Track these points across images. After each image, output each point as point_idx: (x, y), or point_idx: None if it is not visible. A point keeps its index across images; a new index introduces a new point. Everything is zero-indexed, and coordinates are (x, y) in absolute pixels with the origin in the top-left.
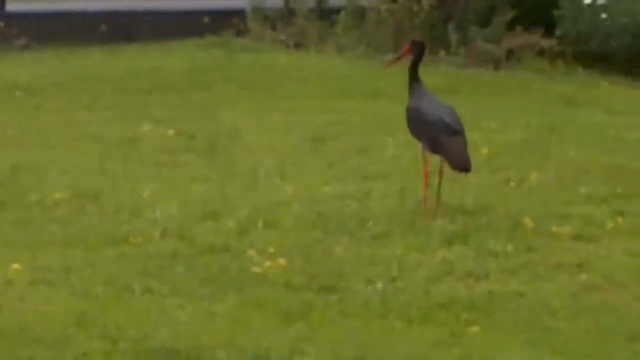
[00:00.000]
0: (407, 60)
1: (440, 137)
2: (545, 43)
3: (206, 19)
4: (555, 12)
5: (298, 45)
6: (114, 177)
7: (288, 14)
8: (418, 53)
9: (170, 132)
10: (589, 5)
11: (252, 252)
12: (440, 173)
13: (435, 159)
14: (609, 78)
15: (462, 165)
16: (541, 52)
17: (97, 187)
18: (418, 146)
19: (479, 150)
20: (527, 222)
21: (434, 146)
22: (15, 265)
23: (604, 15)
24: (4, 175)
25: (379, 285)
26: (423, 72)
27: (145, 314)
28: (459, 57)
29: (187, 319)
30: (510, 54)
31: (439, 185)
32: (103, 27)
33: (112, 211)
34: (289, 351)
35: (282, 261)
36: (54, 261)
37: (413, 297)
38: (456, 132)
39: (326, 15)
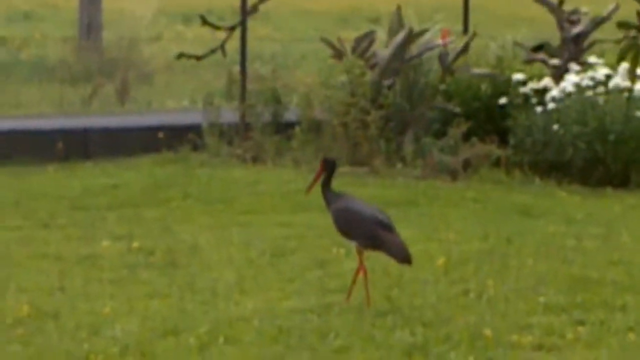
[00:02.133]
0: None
1: (379, 232)
2: (501, 153)
3: (161, 135)
4: (509, 122)
5: (255, 160)
6: (73, 295)
7: (244, 128)
8: (330, 169)
9: (129, 248)
10: (541, 114)
11: None
12: (364, 271)
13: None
14: (566, 187)
15: (406, 257)
16: (497, 163)
17: (56, 305)
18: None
19: (436, 261)
20: (487, 333)
21: (372, 242)
22: None
23: (555, 127)
24: None
25: None
26: (380, 184)
27: None
28: (416, 169)
29: None
30: (466, 164)
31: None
32: (59, 145)
33: (71, 329)
34: None
35: None
36: None
37: None
38: (390, 227)
39: (282, 129)
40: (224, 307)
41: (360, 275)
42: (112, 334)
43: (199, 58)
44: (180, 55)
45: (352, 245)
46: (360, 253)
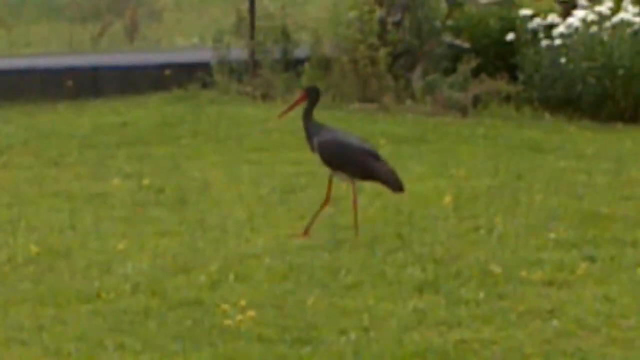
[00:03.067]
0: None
1: (370, 162)
2: (511, 89)
3: (171, 72)
4: (517, 58)
5: (264, 97)
6: (84, 233)
7: (253, 66)
8: (313, 98)
9: (139, 186)
10: (548, 49)
11: (224, 306)
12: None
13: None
14: (576, 123)
15: (399, 185)
16: (507, 99)
17: (67, 243)
18: (339, 179)
19: (446, 197)
20: (498, 269)
21: (364, 173)
22: None
23: (563, 60)
24: None
25: (352, 336)
26: (390, 121)
27: None
28: (426, 105)
29: None
30: (476, 100)
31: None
32: (69, 83)
33: (82, 267)
34: None
35: (254, 314)
36: (26, 319)
37: (386, 347)
38: (378, 156)
39: (292, 66)
40: (235, 245)
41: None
42: (123, 271)
43: None
44: None
45: (339, 177)
46: (353, 185)
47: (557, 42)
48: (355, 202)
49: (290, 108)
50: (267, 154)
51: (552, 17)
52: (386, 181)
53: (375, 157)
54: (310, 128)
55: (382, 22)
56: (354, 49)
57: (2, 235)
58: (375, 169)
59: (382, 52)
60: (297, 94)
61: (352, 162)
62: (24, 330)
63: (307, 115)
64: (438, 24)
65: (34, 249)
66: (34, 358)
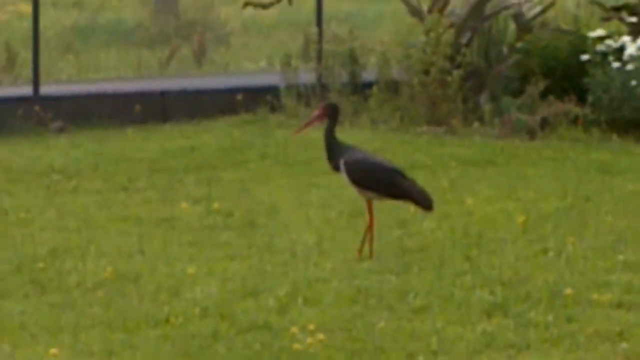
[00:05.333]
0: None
1: (401, 181)
2: (579, 111)
3: (240, 97)
4: (586, 80)
5: None
6: (153, 258)
7: (321, 89)
8: (333, 116)
9: (208, 210)
10: (618, 71)
11: (293, 330)
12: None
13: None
14: None
15: (430, 204)
16: (575, 121)
17: (136, 268)
18: (361, 198)
19: (515, 220)
20: (567, 291)
21: (395, 192)
22: (54, 350)
23: (634, 82)
24: (43, 259)
25: None
26: (458, 144)
27: None
28: (493, 127)
29: None
30: (544, 123)
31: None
32: (137, 108)
33: (151, 292)
34: None
35: (323, 337)
36: (95, 344)
37: None
38: (406, 176)
39: (359, 89)
40: (303, 268)
41: (370, 228)
42: (192, 296)
43: (264, 7)
44: (246, 4)
45: (366, 196)
46: (370, 205)
47: (630, 66)
48: (371, 221)
49: (308, 124)
50: (335, 177)
51: (624, 39)
52: (417, 200)
53: (403, 176)
54: (335, 147)
55: (454, 45)
56: (425, 72)
57: (71, 260)
58: (406, 188)
59: (455, 75)
60: (365, 118)
61: (382, 181)
62: (94, 356)
63: (330, 134)
64: (507, 47)
65: (103, 273)
66: None
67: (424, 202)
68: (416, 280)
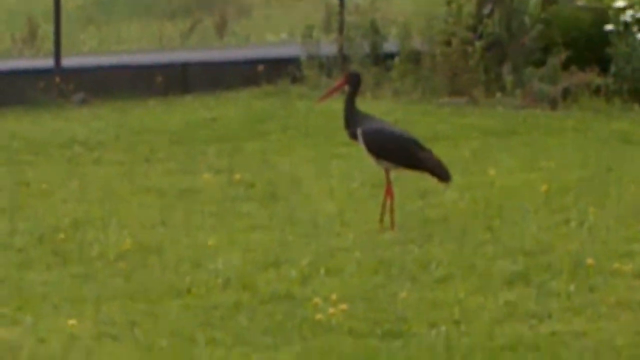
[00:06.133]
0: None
1: (418, 152)
2: (601, 81)
3: (261, 68)
4: (609, 50)
5: None
6: (175, 229)
7: (343, 60)
8: (355, 84)
9: (230, 181)
10: None
11: (315, 300)
12: (391, 195)
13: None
14: None
15: (447, 175)
16: (597, 91)
17: (158, 239)
18: (380, 168)
19: (537, 190)
20: (589, 261)
21: (412, 162)
22: (72, 321)
23: None
24: (65, 230)
25: (443, 329)
26: (480, 114)
27: None
28: (515, 98)
29: None
30: (566, 93)
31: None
32: (159, 79)
33: (173, 263)
34: None
35: (345, 307)
36: (118, 315)
37: (477, 341)
38: (423, 147)
39: (381, 60)
40: (325, 239)
41: (388, 198)
42: (213, 266)
43: None
44: None
45: (383, 166)
46: (388, 174)
47: None
48: (389, 190)
49: (330, 93)
50: (357, 148)
51: None
52: (434, 170)
53: (421, 147)
54: (354, 116)
55: (475, 16)
56: (447, 42)
57: (93, 231)
58: (422, 158)
59: (477, 46)
60: (387, 89)
61: (398, 151)
62: (116, 326)
63: (350, 101)
64: (529, 17)
65: (124, 245)
66: (125, 353)
67: (441, 173)
68: (438, 250)
